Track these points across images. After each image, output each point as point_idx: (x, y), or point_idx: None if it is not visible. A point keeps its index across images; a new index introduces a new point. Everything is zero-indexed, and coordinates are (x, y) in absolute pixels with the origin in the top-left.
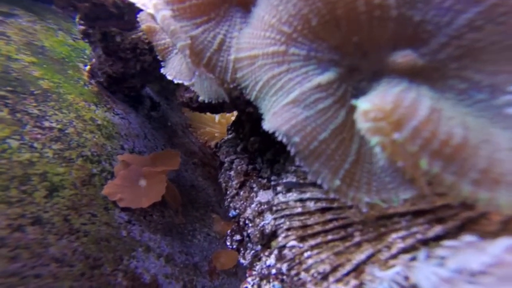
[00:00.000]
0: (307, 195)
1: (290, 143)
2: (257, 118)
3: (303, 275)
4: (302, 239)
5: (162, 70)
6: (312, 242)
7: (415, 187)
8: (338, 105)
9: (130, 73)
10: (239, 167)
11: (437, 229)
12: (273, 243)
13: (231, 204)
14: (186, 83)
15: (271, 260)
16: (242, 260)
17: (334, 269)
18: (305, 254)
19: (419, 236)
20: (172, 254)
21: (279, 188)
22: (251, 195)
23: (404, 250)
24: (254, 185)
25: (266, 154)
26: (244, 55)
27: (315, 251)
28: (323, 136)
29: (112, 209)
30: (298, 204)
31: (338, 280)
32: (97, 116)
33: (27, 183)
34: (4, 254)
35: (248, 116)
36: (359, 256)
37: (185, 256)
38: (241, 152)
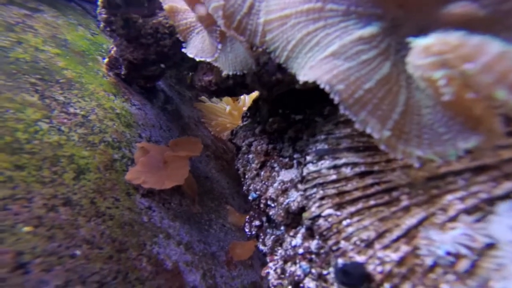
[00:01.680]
0: (342, 160)
1: (333, 91)
2: (275, 99)
3: (343, 243)
4: (339, 206)
5: (184, 50)
6: (351, 209)
7: (480, 132)
8: (382, 57)
9: (150, 59)
10: (258, 147)
11: (507, 186)
12: (306, 214)
13: (251, 187)
14: (209, 59)
15: (297, 240)
16: (261, 247)
17: (380, 235)
18: (344, 222)
19: (483, 196)
20: (191, 242)
21: (308, 158)
22: (273, 174)
23: (465, 211)
24: (276, 165)
25: (287, 132)
26: (274, 16)
27: (356, 218)
28: (368, 85)
29: (133, 195)
30: (332, 171)
31: (385, 247)
32: (116, 106)
33: (57, 164)
34: (43, 233)
35: (269, 92)
36: (410, 221)
37: (203, 245)
38: (259, 134)
